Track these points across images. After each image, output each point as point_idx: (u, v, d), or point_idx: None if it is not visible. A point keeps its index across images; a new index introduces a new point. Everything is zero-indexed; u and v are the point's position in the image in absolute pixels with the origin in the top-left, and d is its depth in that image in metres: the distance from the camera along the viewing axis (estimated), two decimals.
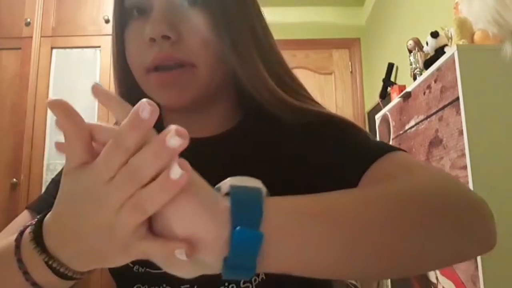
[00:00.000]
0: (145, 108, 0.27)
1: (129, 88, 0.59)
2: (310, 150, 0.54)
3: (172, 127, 0.28)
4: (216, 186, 0.33)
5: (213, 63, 0.54)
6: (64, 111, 0.29)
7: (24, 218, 0.58)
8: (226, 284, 0.51)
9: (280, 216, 0.31)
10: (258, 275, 0.51)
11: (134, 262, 0.52)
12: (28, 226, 0.36)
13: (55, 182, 0.64)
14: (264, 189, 0.32)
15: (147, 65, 0.53)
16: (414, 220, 0.35)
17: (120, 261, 0.32)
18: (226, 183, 0.32)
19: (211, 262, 0.30)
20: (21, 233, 0.36)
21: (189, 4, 0.53)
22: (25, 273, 0.35)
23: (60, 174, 0.62)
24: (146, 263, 0.52)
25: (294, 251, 0.31)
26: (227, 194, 0.31)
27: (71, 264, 0.33)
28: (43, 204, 0.60)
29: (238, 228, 0.29)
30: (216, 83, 0.56)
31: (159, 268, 0.51)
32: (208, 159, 0.56)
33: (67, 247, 0.32)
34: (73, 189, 0.30)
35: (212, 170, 0.54)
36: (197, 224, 0.29)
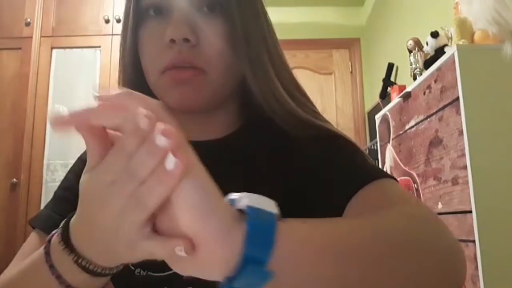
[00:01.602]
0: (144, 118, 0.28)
1: (139, 90, 0.60)
2: (309, 162, 0.54)
3: (159, 127, 0.28)
4: (230, 198, 0.33)
5: (224, 71, 0.55)
6: (72, 122, 0.29)
7: (33, 241, 0.56)
8: None
9: (289, 246, 0.31)
10: None
11: (136, 265, 0.52)
12: (54, 232, 0.37)
13: (57, 198, 0.62)
14: (278, 213, 0.32)
15: (163, 65, 0.53)
16: (401, 261, 0.37)
17: (129, 259, 0.33)
18: (243, 201, 0.31)
19: (212, 273, 0.30)
20: (49, 241, 0.37)
21: (208, 10, 0.54)
22: (58, 276, 0.35)
23: (60, 188, 0.61)
24: (148, 266, 0.52)
25: (295, 281, 0.31)
26: (240, 210, 0.31)
27: (98, 261, 0.34)
28: (49, 222, 0.57)
29: (248, 266, 0.29)
30: (225, 90, 0.57)
31: (160, 271, 0.51)
32: (210, 161, 0.56)
33: (91, 245, 0.34)
34: (86, 190, 0.32)
35: (213, 172, 0.54)
36: (203, 230, 0.29)
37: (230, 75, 0.56)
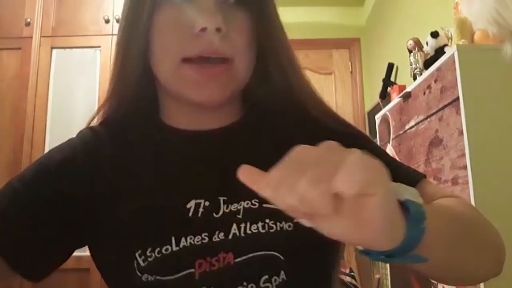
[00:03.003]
0: None
1: (140, 81, 0.57)
2: None
3: None
4: None
5: (249, 62, 0.55)
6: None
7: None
8: (245, 283, 0.49)
9: (428, 236, 0.36)
10: (278, 276, 0.49)
11: (142, 271, 0.49)
12: None
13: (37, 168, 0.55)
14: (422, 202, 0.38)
15: (190, 55, 0.51)
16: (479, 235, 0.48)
17: None
18: (402, 193, 0.36)
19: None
20: None
21: (234, 2, 0.54)
22: None
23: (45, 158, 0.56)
24: (155, 271, 0.48)
25: (436, 253, 0.39)
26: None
27: None
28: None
29: (400, 254, 0.34)
30: (246, 80, 0.57)
31: (169, 275, 0.49)
32: (219, 149, 0.57)
33: None
34: None
35: (222, 160, 0.55)
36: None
37: (252, 66, 0.57)
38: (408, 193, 0.37)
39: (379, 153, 0.60)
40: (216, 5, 0.51)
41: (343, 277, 1.49)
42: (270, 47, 0.57)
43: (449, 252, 0.42)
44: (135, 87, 0.57)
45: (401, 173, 0.57)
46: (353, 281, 1.54)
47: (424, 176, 0.58)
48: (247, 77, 0.56)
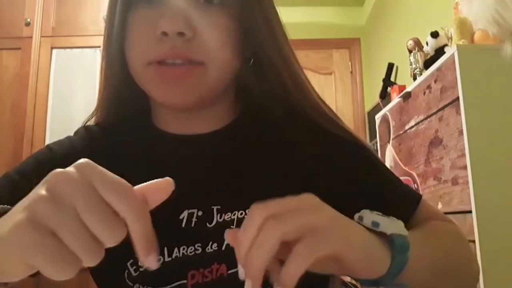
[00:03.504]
0: None
1: (122, 82, 0.55)
2: (341, 167, 0.55)
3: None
4: (360, 215, 0.40)
5: (224, 64, 0.51)
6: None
7: None
8: None
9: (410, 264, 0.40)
10: (272, 287, 0.49)
11: (134, 281, 0.49)
12: None
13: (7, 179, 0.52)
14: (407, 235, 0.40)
15: (152, 59, 0.49)
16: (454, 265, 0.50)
17: None
18: (387, 227, 0.39)
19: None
20: None
21: (205, 2, 0.50)
22: None
23: (16, 170, 0.53)
24: (148, 281, 0.48)
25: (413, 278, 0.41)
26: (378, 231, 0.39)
27: None
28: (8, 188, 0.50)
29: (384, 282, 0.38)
30: (223, 84, 0.53)
31: (162, 285, 0.48)
32: (210, 154, 0.55)
33: None
34: None
35: (213, 166, 0.54)
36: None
37: (229, 69, 0.53)
38: (393, 226, 0.40)
39: (377, 166, 0.57)
40: (187, 5, 0.48)
41: (343, 277, 1.49)
42: (260, 47, 0.54)
43: (428, 278, 0.44)
44: (120, 88, 0.56)
45: (397, 194, 0.56)
46: (353, 281, 1.54)
47: (421, 197, 0.56)
48: (223, 80, 0.53)
